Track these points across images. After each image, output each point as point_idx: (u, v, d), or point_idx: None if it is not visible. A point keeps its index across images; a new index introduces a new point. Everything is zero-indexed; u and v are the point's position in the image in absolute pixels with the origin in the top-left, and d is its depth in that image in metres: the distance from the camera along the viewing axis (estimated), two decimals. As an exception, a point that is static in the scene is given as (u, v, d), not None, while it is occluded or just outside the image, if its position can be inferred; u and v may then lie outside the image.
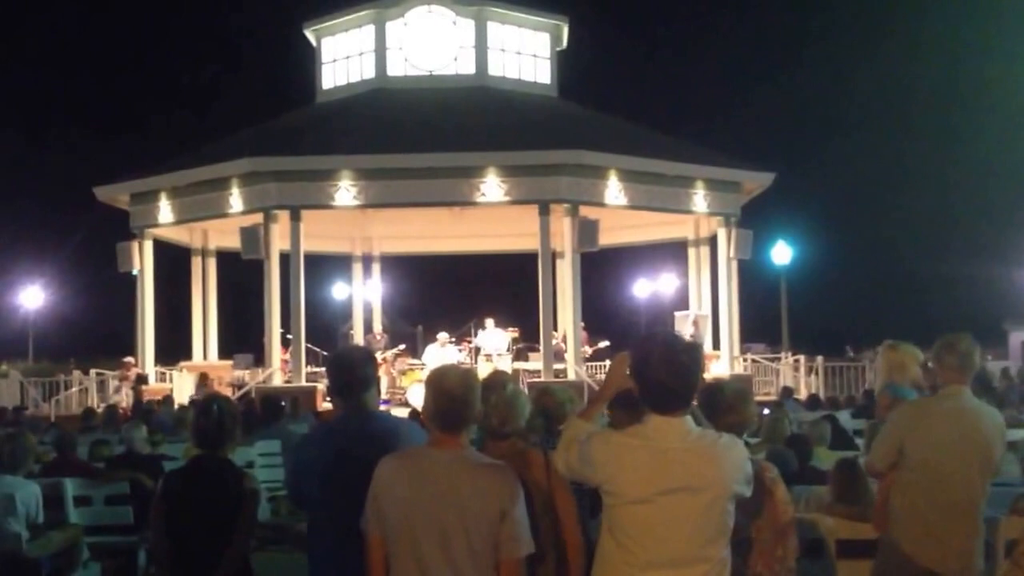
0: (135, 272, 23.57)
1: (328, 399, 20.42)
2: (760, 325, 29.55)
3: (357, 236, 28.29)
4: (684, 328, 22.83)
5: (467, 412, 3.92)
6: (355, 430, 4.47)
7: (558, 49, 26.54)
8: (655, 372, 3.64)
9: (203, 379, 21.76)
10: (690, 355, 3.66)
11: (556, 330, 23.05)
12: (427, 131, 21.39)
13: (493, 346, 22.43)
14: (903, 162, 51.34)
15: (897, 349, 7.09)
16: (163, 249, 24.64)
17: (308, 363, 22.07)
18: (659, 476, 3.58)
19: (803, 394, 20.90)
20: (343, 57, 25.78)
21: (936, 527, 5.18)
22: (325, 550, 4.43)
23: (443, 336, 22.61)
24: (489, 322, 22.93)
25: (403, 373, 22.31)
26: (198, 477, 5.23)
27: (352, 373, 4.58)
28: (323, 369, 23.77)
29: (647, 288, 45.69)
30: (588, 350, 23.03)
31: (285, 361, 21.88)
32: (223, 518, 5.08)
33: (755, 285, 27.73)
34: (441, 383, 3.92)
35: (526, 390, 18.06)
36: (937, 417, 5.29)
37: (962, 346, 5.34)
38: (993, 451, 5.32)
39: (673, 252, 29.98)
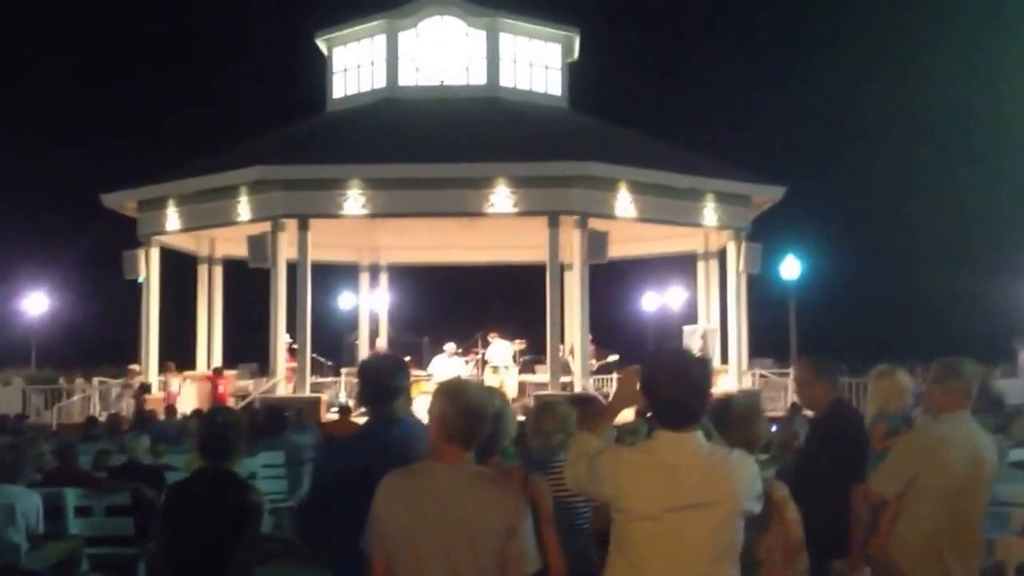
0: (140, 280, 23.54)
1: (331, 410, 20.38)
2: (769, 340, 29.39)
3: (365, 246, 28.24)
4: (693, 342, 22.72)
5: (483, 428, 3.84)
6: (380, 439, 4.46)
7: (569, 60, 26.56)
8: (665, 388, 3.61)
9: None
10: (700, 371, 3.64)
11: (564, 342, 22.94)
12: (437, 141, 21.35)
13: (499, 358, 22.37)
14: (915, 177, 51.24)
15: (890, 376, 7.01)
16: (168, 256, 24.61)
17: (313, 373, 21.99)
18: (668, 492, 3.54)
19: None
20: (354, 66, 25.80)
21: (947, 551, 5.17)
22: (352, 565, 4.28)
23: (450, 347, 22.52)
24: (494, 336, 22.84)
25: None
26: (202, 489, 5.19)
27: (381, 384, 4.59)
28: (329, 379, 23.78)
29: (655, 301, 45.62)
30: (595, 363, 22.91)
31: (291, 370, 21.81)
32: (226, 531, 5.03)
33: (764, 299, 27.62)
34: (461, 398, 3.82)
35: (532, 401, 18.00)
36: (951, 445, 5.25)
37: (967, 371, 5.33)
38: (992, 474, 5.39)
39: (682, 265, 29.89)
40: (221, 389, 22.05)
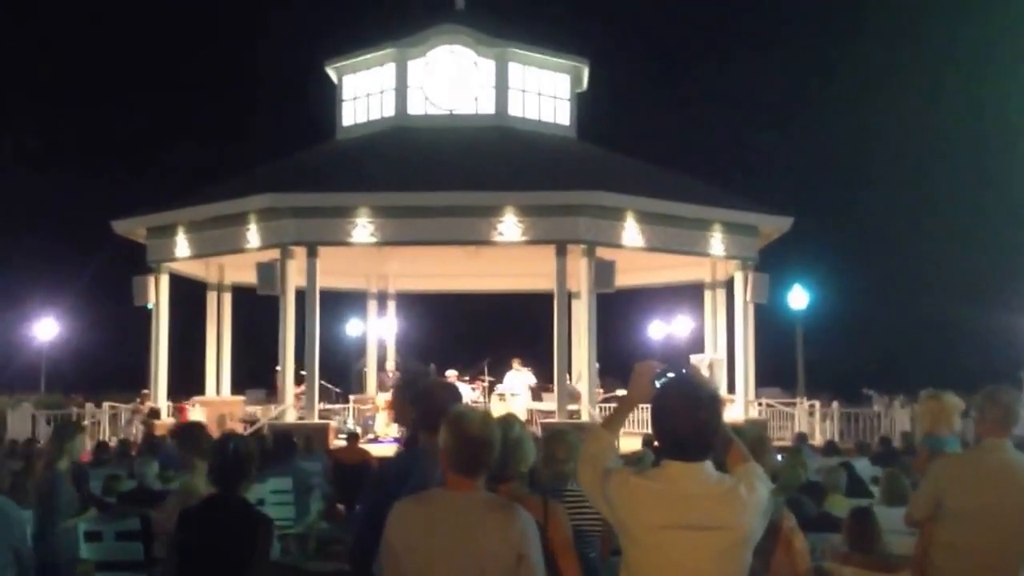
0: (150, 306, 23.61)
1: (339, 436, 20.39)
2: (775, 370, 29.38)
3: (373, 273, 28.33)
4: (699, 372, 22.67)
5: (487, 456, 3.85)
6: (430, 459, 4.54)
7: (578, 91, 26.67)
8: (673, 423, 3.60)
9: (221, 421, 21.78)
10: (711, 408, 3.63)
11: (572, 371, 22.94)
12: (446, 170, 21.44)
13: (509, 386, 22.37)
14: (923, 207, 51.27)
15: (939, 399, 7.04)
16: (178, 283, 24.70)
17: (321, 400, 22.00)
18: (677, 517, 3.53)
19: (818, 440, 20.76)
20: (364, 95, 25.92)
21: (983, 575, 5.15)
22: None
23: (452, 373, 22.50)
24: (516, 362, 22.85)
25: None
26: (214, 516, 5.20)
27: (438, 412, 4.62)
28: (337, 406, 23.80)
29: (662, 330, 45.57)
30: (601, 392, 22.88)
31: (297, 397, 21.84)
32: (237, 558, 5.04)
33: (772, 329, 27.62)
34: (461, 425, 3.85)
35: (539, 430, 17.99)
36: (980, 472, 5.26)
37: (1005, 399, 5.35)
38: None
39: (689, 294, 29.91)
40: (188, 415, 22.20)
